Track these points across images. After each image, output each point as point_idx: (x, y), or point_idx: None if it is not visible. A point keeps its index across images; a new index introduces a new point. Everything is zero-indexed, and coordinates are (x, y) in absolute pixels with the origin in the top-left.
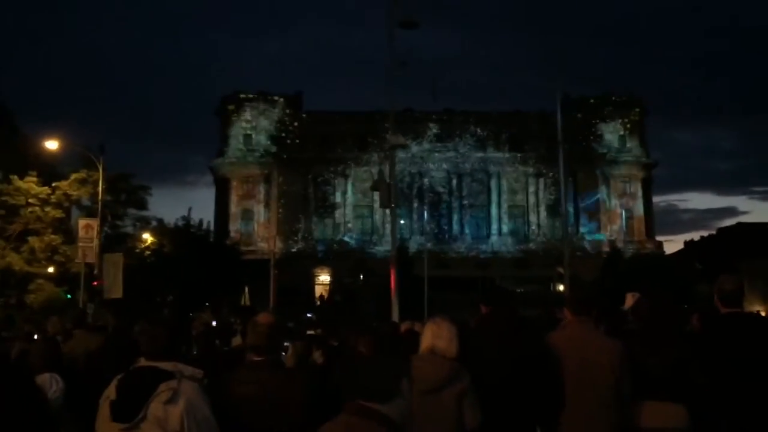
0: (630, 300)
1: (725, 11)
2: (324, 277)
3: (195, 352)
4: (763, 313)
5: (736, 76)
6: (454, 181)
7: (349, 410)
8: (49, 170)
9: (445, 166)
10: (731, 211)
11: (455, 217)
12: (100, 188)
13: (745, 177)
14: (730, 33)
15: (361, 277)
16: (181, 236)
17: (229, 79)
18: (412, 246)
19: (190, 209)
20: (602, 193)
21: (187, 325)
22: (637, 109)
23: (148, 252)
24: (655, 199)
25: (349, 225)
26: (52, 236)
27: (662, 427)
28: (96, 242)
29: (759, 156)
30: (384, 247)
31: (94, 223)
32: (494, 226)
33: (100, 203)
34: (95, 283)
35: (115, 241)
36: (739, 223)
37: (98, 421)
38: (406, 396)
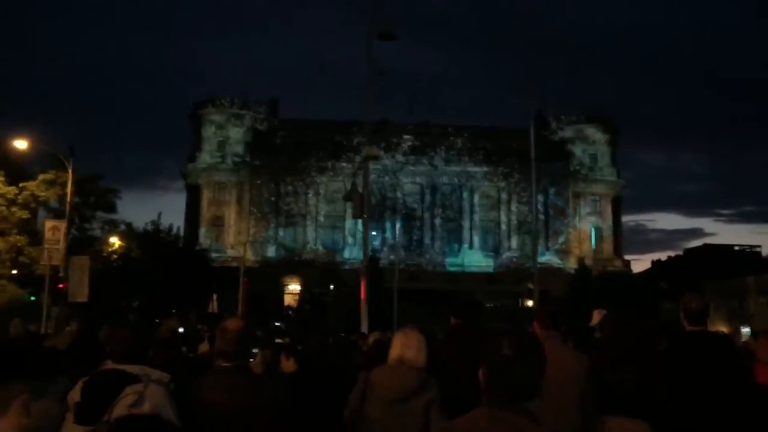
0: (597, 317)
1: (696, 38)
2: (294, 287)
3: (158, 357)
4: (726, 332)
5: (706, 102)
6: (427, 194)
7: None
8: (17, 170)
9: (418, 179)
10: (698, 233)
11: (426, 230)
12: (68, 190)
13: (712, 200)
14: (701, 59)
15: (331, 287)
16: (149, 241)
17: (203, 85)
18: (383, 257)
19: (160, 214)
20: (571, 211)
21: (153, 330)
22: (609, 130)
23: (115, 256)
24: (624, 218)
25: (321, 235)
26: (18, 237)
27: None
28: (62, 244)
29: (725, 180)
30: (355, 257)
31: (62, 225)
32: (465, 241)
33: (68, 205)
34: (60, 285)
35: (82, 243)
36: (706, 245)
37: (63, 423)
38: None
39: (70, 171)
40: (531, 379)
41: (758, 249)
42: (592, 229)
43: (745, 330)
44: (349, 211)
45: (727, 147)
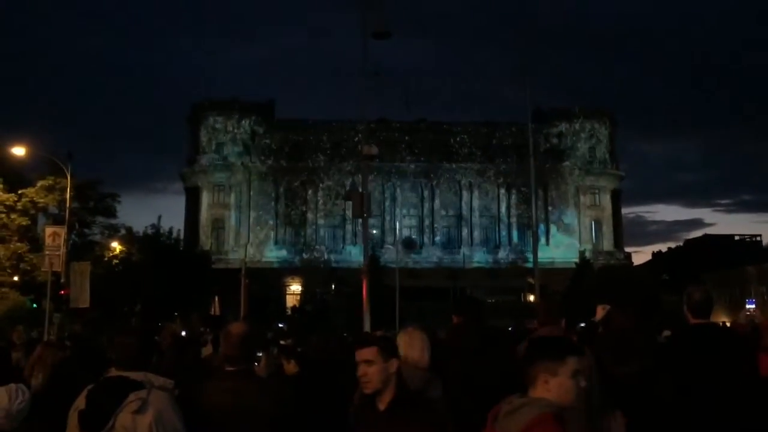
0: (601, 312)
1: (695, 28)
2: (295, 287)
3: (163, 362)
4: (728, 324)
5: (704, 91)
6: (426, 192)
7: None
8: (16, 177)
9: (417, 176)
10: (698, 223)
11: (426, 228)
12: (67, 195)
13: (711, 190)
14: (700, 49)
15: (333, 287)
16: (150, 245)
17: (201, 87)
18: (384, 256)
19: (159, 217)
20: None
21: (156, 334)
22: (607, 122)
23: (116, 261)
24: (624, 210)
25: (321, 235)
26: (18, 244)
27: None
28: (63, 250)
29: (723, 170)
30: (355, 257)
31: (61, 230)
32: (465, 237)
33: (67, 211)
34: (62, 292)
35: (82, 249)
36: (706, 235)
37: (68, 430)
38: None
39: (68, 176)
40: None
41: (758, 238)
42: (592, 223)
43: (750, 306)
44: (349, 211)
45: (724, 136)
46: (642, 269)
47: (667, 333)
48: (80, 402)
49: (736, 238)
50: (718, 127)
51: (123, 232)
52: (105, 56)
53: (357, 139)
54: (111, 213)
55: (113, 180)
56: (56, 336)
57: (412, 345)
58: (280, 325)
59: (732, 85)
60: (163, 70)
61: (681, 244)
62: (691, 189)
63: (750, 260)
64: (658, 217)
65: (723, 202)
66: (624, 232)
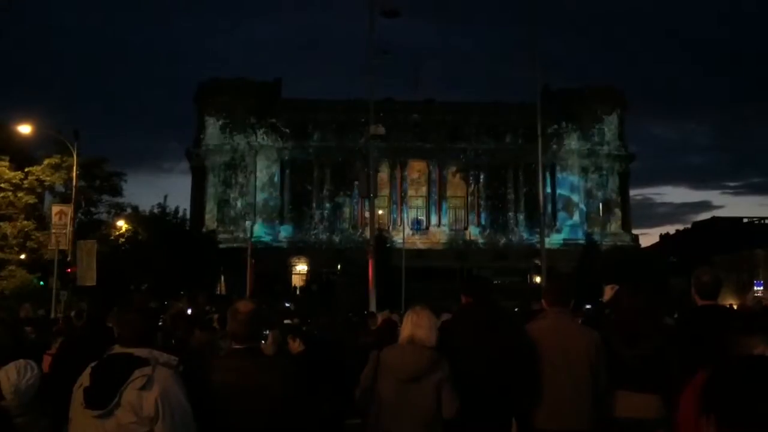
0: (609, 292)
1: (707, 10)
2: (301, 267)
3: (172, 341)
4: (735, 307)
5: (714, 73)
6: (434, 173)
7: None
8: (22, 155)
9: (425, 156)
10: (706, 206)
11: (433, 208)
12: (74, 174)
13: (719, 172)
14: (711, 31)
15: (339, 266)
16: (156, 224)
17: (207, 66)
18: (392, 236)
19: (165, 197)
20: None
21: (162, 313)
22: (617, 103)
23: (122, 239)
24: (632, 192)
25: (328, 214)
26: (25, 222)
27: (638, 418)
28: (69, 229)
29: (731, 152)
30: (363, 237)
31: (68, 209)
32: (472, 218)
33: (74, 189)
34: (69, 270)
35: (88, 227)
36: (714, 218)
37: (72, 408)
38: None
39: (75, 155)
40: None
41: (767, 221)
42: (600, 204)
43: (758, 288)
44: (356, 191)
45: (734, 119)
46: (650, 251)
47: (670, 319)
48: (84, 379)
49: (745, 220)
50: (728, 110)
51: (129, 211)
52: (111, 35)
53: (364, 119)
54: (117, 192)
55: (120, 159)
56: (63, 314)
57: (419, 324)
58: (287, 305)
59: (742, 68)
60: (170, 49)
61: (689, 226)
62: (700, 171)
63: (759, 243)
64: (666, 199)
65: (731, 184)
66: (632, 214)
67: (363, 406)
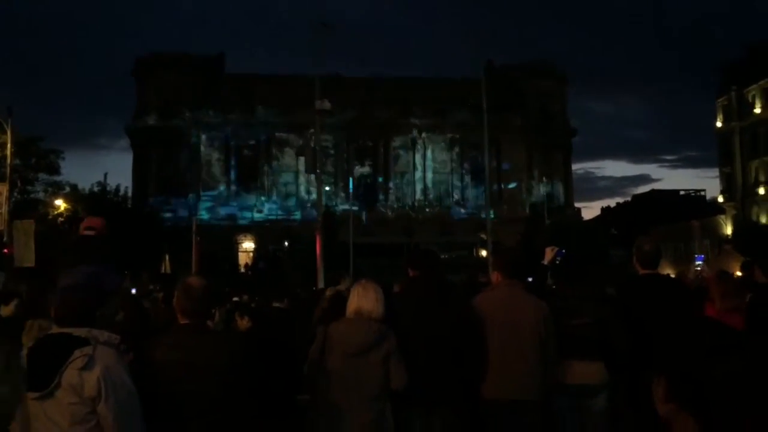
0: (549, 254)
1: None
2: (248, 244)
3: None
4: (673, 276)
5: (650, 49)
6: (381, 147)
7: None
8: None
9: (369, 131)
10: (645, 179)
11: (380, 183)
12: (8, 152)
13: (656, 146)
14: (647, 8)
15: (286, 243)
16: (96, 202)
17: (145, 40)
18: (338, 212)
19: (106, 174)
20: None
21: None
22: (558, 80)
23: (61, 219)
24: (574, 166)
25: (274, 191)
26: None
27: (585, 384)
28: (5, 208)
29: (667, 127)
30: (310, 213)
31: (3, 188)
32: (419, 193)
33: (8, 168)
34: (5, 251)
35: (25, 207)
36: (653, 190)
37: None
38: None
39: (9, 132)
40: None
41: (702, 193)
42: (543, 178)
43: (699, 262)
44: (302, 167)
45: (669, 94)
46: (591, 224)
47: (611, 289)
48: (23, 362)
49: (682, 193)
50: (663, 85)
51: (68, 189)
52: (46, 8)
53: (308, 95)
54: (54, 170)
55: (56, 137)
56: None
57: (366, 296)
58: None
59: (678, 44)
60: (107, 22)
61: (629, 199)
62: (638, 145)
63: (695, 215)
64: (606, 173)
65: (668, 158)
66: (574, 187)
67: (312, 381)
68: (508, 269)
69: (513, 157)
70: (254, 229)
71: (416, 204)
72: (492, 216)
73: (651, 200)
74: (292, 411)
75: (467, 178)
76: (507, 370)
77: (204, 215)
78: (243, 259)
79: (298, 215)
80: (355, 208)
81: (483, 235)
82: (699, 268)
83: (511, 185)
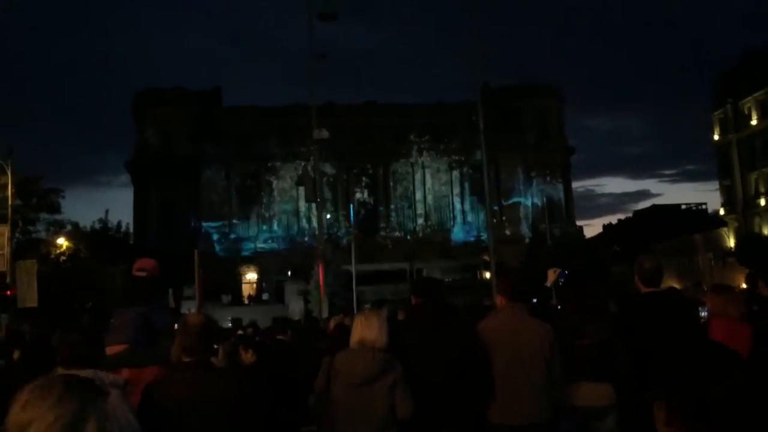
0: (552, 276)
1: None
2: (251, 275)
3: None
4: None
5: (646, 65)
6: (380, 174)
7: None
8: None
9: (368, 158)
10: (645, 194)
11: (381, 210)
12: (9, 193)
13: (655, 161)
14: (642, 23)
15: (289, 273)
16: (98, 239)
17: (143, 76)
18: (340, 239)
19: (107, 211)
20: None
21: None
22: (555, 98)
23: (63, 257)
24: (574, 184)
25: (276, 220)
26: None
27: (591, 406)
28: (7, 249)
29: (666, 141)
30: (312, 242)
31: (4, 229)
32: (419, 218)
33: (9, 208)
34: (8, 292)
35: (27, 247)
36: (654, 206)
37: None
38: None
39: (9, 173)
40: None
41: (704, 206)
42: (544, 198)
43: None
44: (303, 195)
45: (666, 109)
46: (593, 241)
47: (613, 305)
48: None
49: (683, 207)
50: (660, 100)
51: (69, 227)
52: (44, 48)
53: (305, 124)
54: (55, 209)
55: (56, 175)
56: (4, 338)
57: (369, 326)
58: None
59: (674, 59)
60: (105, 60)
61: (630, 215)
62: (637, 160)
63: (697, 228)
64: (606, 190)
65: (668, 172)
66: (575, 205)
67: (318, 412)
68: (511, 293)
69: (512, 177)
70: (257, 260)
71: (417, 228)
72: (493, 239)
73: (653, 215)
74: None
75: (467, 201)
76: (513, 394)
77: (206, 247)
78: (247, 290)
79: (302, 244)
80: (355, 237)
81: (486, 257)
82: (703, 288)
83: (512, 204)
